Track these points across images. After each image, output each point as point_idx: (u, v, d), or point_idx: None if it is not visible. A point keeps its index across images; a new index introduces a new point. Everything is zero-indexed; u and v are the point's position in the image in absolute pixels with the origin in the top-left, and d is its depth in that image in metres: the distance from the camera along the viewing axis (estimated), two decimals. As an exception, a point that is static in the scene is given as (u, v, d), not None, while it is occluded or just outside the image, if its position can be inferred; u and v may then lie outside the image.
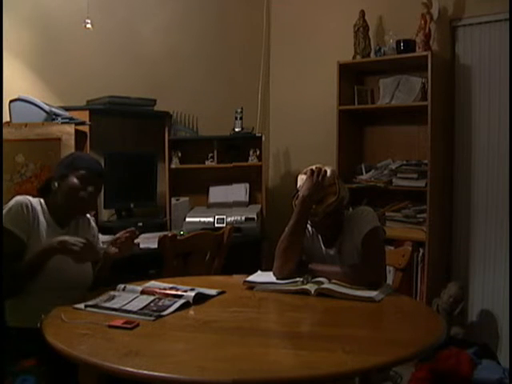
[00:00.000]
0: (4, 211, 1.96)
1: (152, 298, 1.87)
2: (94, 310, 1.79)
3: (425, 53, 3.33)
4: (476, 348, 3.09)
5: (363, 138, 3.92)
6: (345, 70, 3.67)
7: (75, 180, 2.05)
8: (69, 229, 2.13)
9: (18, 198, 2.03)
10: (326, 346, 1.50)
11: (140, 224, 3.36)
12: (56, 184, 2.08)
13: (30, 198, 2.05)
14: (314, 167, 2.17)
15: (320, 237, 2.26)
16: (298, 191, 2.17)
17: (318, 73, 4.08)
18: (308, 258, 2.22)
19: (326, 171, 2.15)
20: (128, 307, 1.79)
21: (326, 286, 1.99)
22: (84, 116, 3.06)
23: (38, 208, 2.05)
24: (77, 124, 2.92)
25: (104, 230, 2.90)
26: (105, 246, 2.22)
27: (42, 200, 2.09)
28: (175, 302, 1.83)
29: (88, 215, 2.26)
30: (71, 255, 1.89)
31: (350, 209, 2.43)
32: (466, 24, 3.47)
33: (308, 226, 2.22)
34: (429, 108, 3.29)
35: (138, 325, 1.64)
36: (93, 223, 2.28)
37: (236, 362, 1.40)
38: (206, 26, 4.04)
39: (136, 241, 3.02)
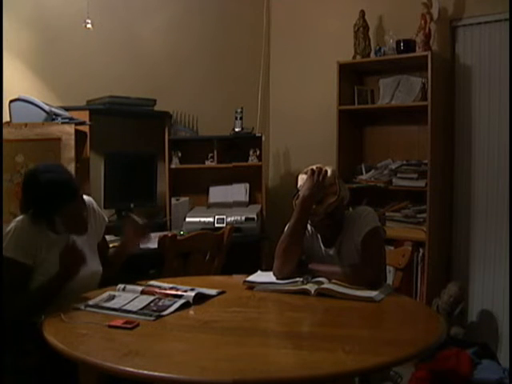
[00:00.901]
0: (4, 242, 1.91)
1: (152, 297, 1.87)
2: (94, 309, 1.80)
3: (425, 53, 3.32)
4: (476, 348, 3.09)
5: (363, 138, 3.91)
6: (345, 70, 3.66)
7: (68, 216, 1.98)
8: None
9: (14, 224, 1.96)
10: (325, 346, 1.50)
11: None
12: (47, 216, 1.99)
13: (27, 219, 1.98)
14: (314, 167, 2.17)
15: (320, 236, 2.26)
16: (298, 191, 2.17)
17: (317, 73, 4.08)
18: (308, 258, 2.22)
19: (326, 171, 2.15)
20: (128, 307, 1.79)
21: (326, 285, 1.98)
22: (84, 116, 3.06)
23: (37, 227, 1.98)
24: (77, 124, 2.92)
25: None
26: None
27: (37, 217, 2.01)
28: (175, 302, 1.83)
29: (86, 199, 2.15)
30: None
31: (350, 209, 2.43)
32: (466, 24, 3.47)
33: (308, 225, 2.22)
34: (429, 108, 3.28)
35: (138, 325, 1.64)
36: (95, 206, 2.22)
37: (236, 362, 1.40)
38: (206, 26, 4.04)
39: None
